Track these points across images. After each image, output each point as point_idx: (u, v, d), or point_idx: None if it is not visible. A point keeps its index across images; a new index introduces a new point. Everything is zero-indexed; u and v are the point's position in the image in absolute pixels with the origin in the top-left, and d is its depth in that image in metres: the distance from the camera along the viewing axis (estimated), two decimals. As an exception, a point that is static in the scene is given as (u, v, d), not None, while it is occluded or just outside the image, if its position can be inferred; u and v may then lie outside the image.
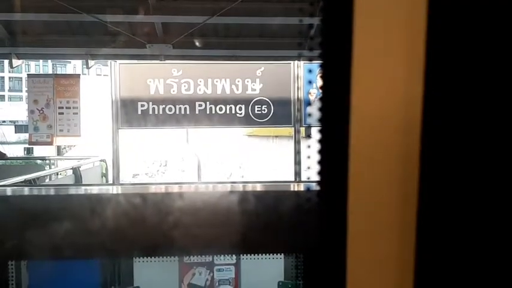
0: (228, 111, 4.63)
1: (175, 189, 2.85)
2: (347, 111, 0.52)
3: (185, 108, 4.54)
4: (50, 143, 5.87)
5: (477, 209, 0.51)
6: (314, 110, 0.55)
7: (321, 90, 0.54)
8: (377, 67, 0.52)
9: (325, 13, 0.53)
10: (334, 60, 0.53)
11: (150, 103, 4.51)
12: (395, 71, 0.52)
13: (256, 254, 2.10)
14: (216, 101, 4.65)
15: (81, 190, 3.41)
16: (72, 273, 2.81)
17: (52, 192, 2.83)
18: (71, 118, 5.81)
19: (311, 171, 0.57)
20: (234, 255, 3.12)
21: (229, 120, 4.66)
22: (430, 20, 0.50)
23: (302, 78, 4.68)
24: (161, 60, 5.35)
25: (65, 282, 2.77)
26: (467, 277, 0.53)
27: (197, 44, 5.40)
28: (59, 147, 6.73)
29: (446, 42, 0.50)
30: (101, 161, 5.99)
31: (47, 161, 7.40)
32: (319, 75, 0.55)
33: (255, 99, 4.68)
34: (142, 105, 4.48)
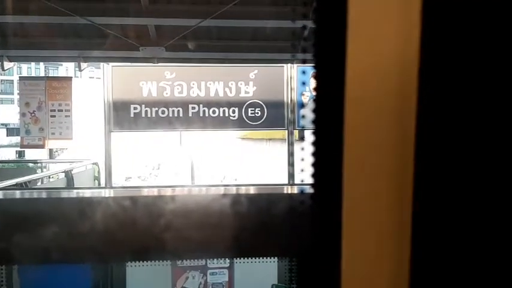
0: (221, 114, 4.62)
1: (167, 192, 2.84)
2: (341, 113, 0.52)
3: (178, 111, 4.52)
4: (42, 146, 5.83)
5: (473, 208, 0.51)
6: (308, 112, 0.55)
7: (314, 92, 0.54)
8: (371, 69, 0.51)
9: (318, 14, 0.53)
10: (327, 61, 0.53)
11: (143, 106, 4.49)
12: (390, 73, 0.51)
13: (250, 258, 2.09)
14: (209, 104, 4.64)
15: (73, 193, 3.38)
16: (63, 277, 2.78)
17: (43, 195, 2.81)
18: (63, 121, 5.77)
19: (305, 173, 0.56)
20: (227, 259, 3.11)
21: (222, 123, 4.65)
22: (426, 19, 0.50)
23: (295, 80, 4.69)
24: (154, 63, 5.33)
25: (57, 287, 2.75)
26: (462, 278, 0.52)
27: (190, 46, 5.40)
28: (50, 150, 6.69)
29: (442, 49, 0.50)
30: (93, 164, 5.95)
31: (39, 164, 7.35)
32: (313, 77, 0.55)
33: (248, 102, 4.68)
34: (135, 108, 4.46)
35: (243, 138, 9.38)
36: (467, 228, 0.51)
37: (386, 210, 0.53)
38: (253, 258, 2.05)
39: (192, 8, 4.98)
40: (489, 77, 0.50)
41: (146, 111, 4.47)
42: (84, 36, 5.60)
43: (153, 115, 4.47)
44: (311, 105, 0.54)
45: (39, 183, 5.22)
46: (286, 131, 4.67)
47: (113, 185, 4.69)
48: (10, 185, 3.84)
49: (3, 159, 13.76)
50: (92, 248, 1.64)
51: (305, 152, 0.56)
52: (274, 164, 6.91)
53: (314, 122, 0.54)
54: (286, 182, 4.46)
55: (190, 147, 9.46)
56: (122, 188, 5.63)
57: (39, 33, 5.50)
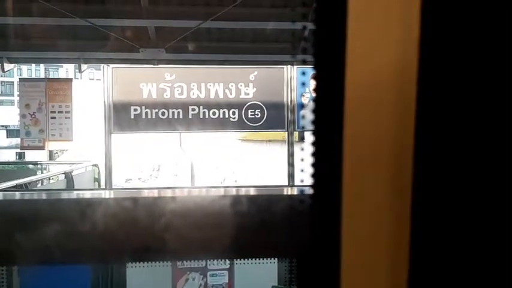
0: (221, 116, 4.63)
1: (167, 194, 2.83)
2: (340, 114, 0.52)
3: (178, 113, 4.53)
4: (42, 148, 5.83)
5: (472, 210, 0.51)
6: (307, 113, 0.55)
7: (314, 93, 0.54)
8: (370, 70, 0.51)
9: (318, 15, 0.53)
10: (327, 62, 0.53)
11: (143, 107, 4.49)
12: (389, 74, 0.51)
13: (250, 259, 2.09)
14: (209, 105, 4.64)
15: (73, 195, 3.38)
16: (63, 278, 2.78)
17: (43, 197, 2.81)
18: (63, 122, 5.77)
19: (305, 173, 0.57)
20: (227, 260, 3.11)
21: (222, 124, 4.66)
22: (424, 20, 0.50)
23: (295, 82, 4.70)
24: (154, 65, 5.33)
25: (57, 287, 2.75)
26: (461, 277, 0.52)
27: (190, 48, 5.39)
28: (51, 152, 6.68)
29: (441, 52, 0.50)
30: (93, 165, 5.95)
31: (39, 166, 7.35)
32: (312, 78, 0.55)
33: (248, 104, 4.68)
34: (135, 110, 4.46)
35: (243, 140, 9.37)
36: (467, 227, 0.51)
37: (386, 211, 0.53)
38: (253, 259, 2.05)
39: (192, 9, 4.98)
40: (488, 80, 0.50)
41: (146, 112, 4.47)
42: (84, 38, 5.60)
43: (153, 116, 4.48)
44: (311, 106, 0.55)
45: (39, 185, 5.21)
46: (286, 132, 4.68)
47: (113, 187, 4.68)
48: (10, 187, 3.85)
49: (3, 160, 13.75)
50: (91, 250, 1.64)
51: (305, 153, 0.56)
52: (274, 165, 6.91)
53: (314, 123, 0.54)
54: (286, 184, 4.46)
55: (190, 149, 9.45)
56: (121, 189, 5.62)
57: (39, 35, 5.50)
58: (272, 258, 2.03)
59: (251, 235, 1.54)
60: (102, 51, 5.49)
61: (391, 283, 0.53)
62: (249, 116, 4.65)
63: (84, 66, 5.93)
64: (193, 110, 4.57)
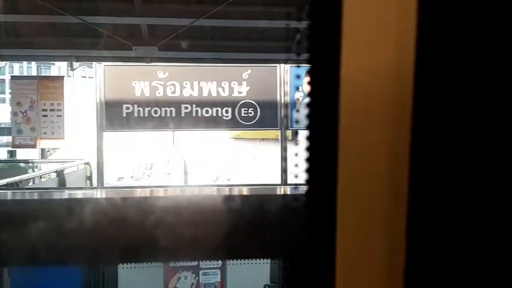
0: (214, 114, 4.61)
1: (159, 192, 2.83)
2: (335, 114, 0.51)
3: (171, 111, 4.51)
4: (34, 146, 5.79)
5: (469, 210, 0.51)
6: (302, 114, 0.55)
7: (308, 94, 0.54)
8: (366, 65, 0.51)
9: (313, 11, 0.53)
10: (321, 63, 0.53)
11: (135, 105, 4.47)
12: (385, 70, 0.51)
13: (242, 259, 2.08)
14: (202, 104, 4.62)
15: (64, 194, 3.36)
16: (54, 278, 2.77)
17: (34, 196, 2.79)
18: (55, 120, 5.73)
19: (299, 169, 0.56)
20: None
21: (215, 123, 4.64)
22: (421, 23, 0.50)
23: (288, 81, 4.69)
24: (147, 63, 5.31)
25: (48, 287, 2.73)
26: (457, 280, 0.52)
27: (183, 46, 5.37)
28: (43, 150, 6.64)
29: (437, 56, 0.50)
30: (85, 164, 5.92)
31: (30, 164, 7.30)
32: (306, 77, 0.55)
33: (241, 102, 4.67)
34: (127, 108, 4.44)
35: (236, 138, 9.36)
36: (463, 227, 0.51)
37: (382, 209, 0.52)
38: (246, 259, 2.04)
39: (185, 7, 4.96)
40: (485, 84, 0.50)
41: (139, 110, 4.45)
42: (76, 36, 5.56)
43: (146, 115, 4.46)
44: (304, 107, 0.54)
45: (30, 184, 5.18)
46: (279, 131, 4.68)
47: (105, 185, 4.66)
48: (0, 185, 3.82)
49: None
50: (79, 249, 1.63)
51: (299, 148, 0.56)
52: (267, 163, 6.91)
53: (308, 123, 0.54)
54: (279, 182, 4.46)
55: (183, 147, 9.43)
56: (113, 188, 5.59)
57: (31, 32, 5.46)
58: (264, 258, 2.03)
59: (244, 235, 1.53)
60: (94, 49, 5.46)
61: (387, 282, 0.53)
62: (242, 115, 4.64)
63: (76, 64, 5.91)
64: (186, 108, 4.55)
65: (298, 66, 0.59)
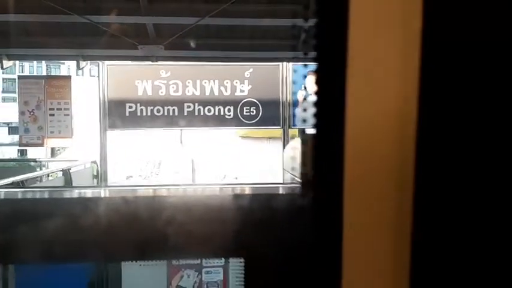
0: (216, 113, 4.62)
1: (162, 192, 2.83)
2: (342, 114, 0.52)
3: (173, 110, 4.52)
4: (41, 145, 5.84)
5: (472, 209, 0.51)
6: (308, 114, 0.55)
7: (315, 88, 0.54)
8: (372, 69, 0.52)
9: (320, 13, 0.53)
10: (328, 62, 0.53)
11: (138, 104, 4.49)
12: (391, 72, 0.52)
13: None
14: (204, 103, 4.63)
15: (67, 193, 3.38)
16: (59, 275, 2.79)
17: (38, 195, 2.81)
18: (62, 119, 5.78)
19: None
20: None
21: (218, 121, 4.65)
22: (426, 21, 0.50)
23: (291, 79, 4.68)
24: (153, 61, 5.33)
25: (53, 285, 2.75)
26: (463, 279, 0.52)
27: (192, 45, 5.38)
28: (53, 149, 6.69)
29: (442, 48, 0.50)
30: (92, 162, 5.95)
31: (39, 163, 7.37)
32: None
33: (243, 101, 4.67)
34: (130, 107, 4.46)
35: (243, 137, 9.36)
36: (468, 225, 0.51)
37: (388, 209, 0.53)
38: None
39: (191, 6, 4.97)
40: (490, 113, 0.50)
41: (141, 109, 4.47)
42: (83, 35, 5.60)
43: (149, 113, 4.48)
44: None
45: (38, 182, 5.22)
46: (282, 129, 4.67)
47: (112, 184, 4.69)
48: (6, 184, 3.85)
49: (5, 157, 13.78)
50: (85, 247, 1.64)
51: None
52: (274, 162, 6.90)
53: (315, 122, 0.55)
54: (282, 181, 4.46)
55: (190, 146, 9.45)
56: (116, 187, 5.61)
57: (38, 32, 5.50)
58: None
59: (251, 234, 1.52)
60: (101, 48, 5.50)
61: (393, 282, 0.53)
62: (245, 113, 4.64)
63: (83, 63, 5.93)
64: (189, 107, 4.56)
65: (306, 65, 0.59)
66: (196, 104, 4.58)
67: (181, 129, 6.13)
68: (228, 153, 9.39)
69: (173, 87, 4.57)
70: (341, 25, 0.51)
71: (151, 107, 4.48)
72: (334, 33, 0.52)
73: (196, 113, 4.59)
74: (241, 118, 4.64)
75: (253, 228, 0.67)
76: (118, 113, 4.39)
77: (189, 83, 4.59)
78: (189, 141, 9.50)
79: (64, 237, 1.64)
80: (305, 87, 4.66)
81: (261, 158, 8.62)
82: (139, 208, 1.62)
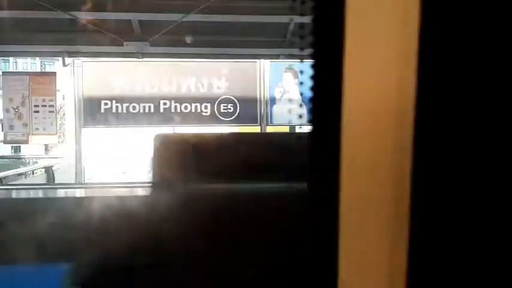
0: (193, 110, 4.59)
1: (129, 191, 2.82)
2: (338, 112, 0.51)
3: (149, 107, 4.49)
4: (26, 142, 5.81)
5: (471, 208, 0.50)
6: (304, 111, 0.55)
7: (311, 89, 0.54)
8: (370, 64, 0.51)
9: (317, 10, 0.53)
10: (325, 56, 0.53)
11: (113, 101, 4.46)
12: (388, 69, 0.51)
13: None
14: (181, 100, 4.60)
15: (44, 191, 3.36)
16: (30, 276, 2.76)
17: (11, 193, 2.79)
18: (47, 116, 5.73)
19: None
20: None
21: (194, 118, 4.62)
22: (424, 4, 0.49)
23: (269, 76, 4.66)
24: (139, 58, 5.31)
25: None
26: (462, 280, 0.52)
27: (175, 41, 5.35)
28: (46, 146, 6.65)
29: (440, 43, 0.50)
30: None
31: (28, 160, 7.35)
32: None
33: (220, 98, 4.64)
34: (105, 104, 4.43)
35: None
36: (465, 225, 0.51)
37: (384, 209, 0.52)
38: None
39: (177, 2, 4.95)
40: (490, 113, 0.50)
41: (117, 107, 4.44)
42: (68, 32, 5.56)
43: (124, 111, 4.45)
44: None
45: (24, 178, 5.19)
46: (259, 127, 4.64)
47: (92, 181, 4.67)
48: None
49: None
50: (44, 247, 1.62)
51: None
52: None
53: (311, 118, 0.54)
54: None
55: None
56: (85, 184, 5.54)
57: (22, 29, 5.47)
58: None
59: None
60: (86, 44, 5.46)
61: (390, 282, 0.53)
62: (222, 111, 4.61)
63: (69, 60, 5.90)
64: (165, 104, 4.53)
65: (302, 61, 0.59)
66: (173, 101, 4.55)
67: (154, 127, 6.10)
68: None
69: (149, 84, 4.54)
70: (337, 19, 0.50)
71: (127, 104, 4.45)
72: (331, 27, 0.51)
73: (173, 110, 4.56)
74: (218, 115, 4.62)
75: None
76: (94, 110, 4.36)
77: (164, 80, 4.56)
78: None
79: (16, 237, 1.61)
80: (282, 85, 4.64)
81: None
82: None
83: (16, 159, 9.21)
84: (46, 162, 5.54)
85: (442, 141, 0.50)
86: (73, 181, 5.41)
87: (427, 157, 0.50)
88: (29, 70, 22.71)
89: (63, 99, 6.11)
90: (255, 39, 5.40)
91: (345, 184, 0.51)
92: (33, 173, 5.62)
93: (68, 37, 5.59)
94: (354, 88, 0.51)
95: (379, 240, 0.52)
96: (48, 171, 5.12)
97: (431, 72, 0.49)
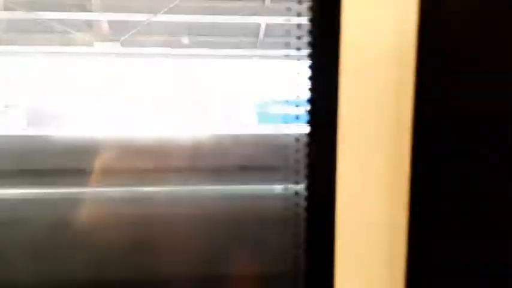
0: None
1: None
2: (335, 107, 0.51)
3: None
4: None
5: (471, 207, 0.50)
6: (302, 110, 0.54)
7: (308, 90, 0.54)
8: (366, 62, 0.50)
9: (314, 11, 0.53)
10: (321, 56, 0.52)
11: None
12: (386, 67, 0.50)
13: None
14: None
15: None
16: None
17: None
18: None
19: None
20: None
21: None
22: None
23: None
24: (111, 59, 5.25)
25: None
26: (459, 277, 0.51)
27: (146, 42, 5.30)
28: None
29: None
30: None
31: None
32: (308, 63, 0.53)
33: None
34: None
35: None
36: (466, 227, 0.50)
37: (382, 213, 0.51)
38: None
39: (148, 2, 4.89)
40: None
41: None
42: (38, 32, 5.47)
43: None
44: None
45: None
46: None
47: None
48: None
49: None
50: None
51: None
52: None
53: (309, 119, 0.54)
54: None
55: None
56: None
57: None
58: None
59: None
60: (56, 45, 5.37)
61: (389, 282, 0.52)
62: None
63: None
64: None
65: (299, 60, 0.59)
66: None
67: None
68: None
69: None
70: (334, 19, 0.50)
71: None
72: (327, 28, 0.51)
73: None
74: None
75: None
76: None
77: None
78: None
79: None
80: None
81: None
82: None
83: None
84: None
85: (442, 142, 0.50)
86: None
87: (426, 157, 0.49)
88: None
89: None
90: (228, 40, 5.37)
91: (341, 183, 0.51)
92: None
93: (38, 38, 5.49)
94: (350, 85, 0.51)
95: (376, 241, 0.52)
96: None
97: (428, 71, 0.50)
